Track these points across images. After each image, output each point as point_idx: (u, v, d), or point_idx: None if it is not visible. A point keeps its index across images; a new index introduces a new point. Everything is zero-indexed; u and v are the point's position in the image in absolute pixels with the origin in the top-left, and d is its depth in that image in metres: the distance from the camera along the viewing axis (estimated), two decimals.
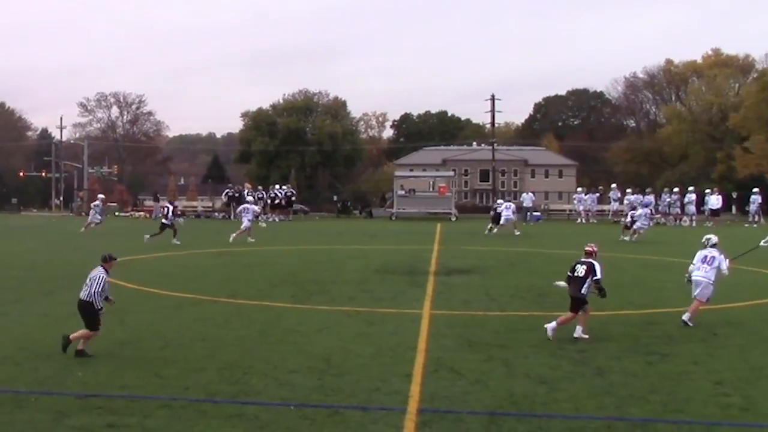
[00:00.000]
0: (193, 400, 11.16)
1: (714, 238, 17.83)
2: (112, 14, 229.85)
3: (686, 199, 54.07)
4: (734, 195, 60.85)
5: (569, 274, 15.85)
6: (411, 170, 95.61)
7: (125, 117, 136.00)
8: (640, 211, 40.59)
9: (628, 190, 56.80)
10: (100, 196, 48.46)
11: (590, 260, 15.83)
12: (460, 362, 13.29)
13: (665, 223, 54.22)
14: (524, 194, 62.65)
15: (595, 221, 56.29)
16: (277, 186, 62.94)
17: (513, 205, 45.66)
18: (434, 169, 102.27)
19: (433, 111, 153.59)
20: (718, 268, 17.16)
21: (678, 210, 54.95)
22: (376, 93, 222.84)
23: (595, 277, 15.47)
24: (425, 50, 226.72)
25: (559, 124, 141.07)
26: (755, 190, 56.06)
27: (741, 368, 13.19)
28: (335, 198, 77.28)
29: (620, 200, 56.67)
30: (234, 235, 35.97)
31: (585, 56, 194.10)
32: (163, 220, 36.87)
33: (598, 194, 61.49)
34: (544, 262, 29.17)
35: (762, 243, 19.44)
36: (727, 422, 10.41)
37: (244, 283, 22.90)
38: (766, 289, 22.34)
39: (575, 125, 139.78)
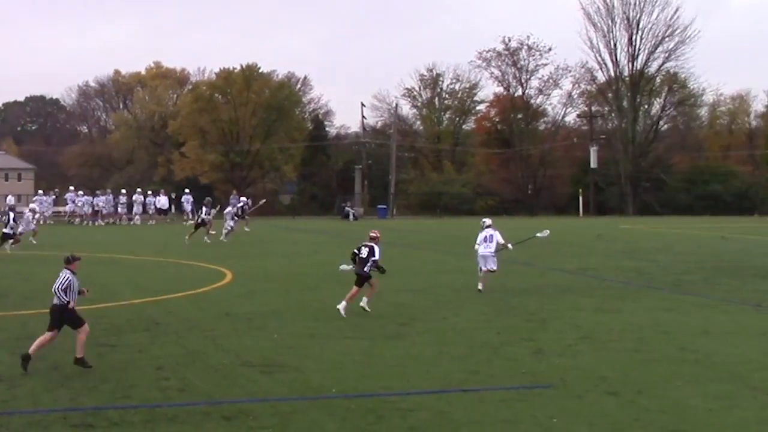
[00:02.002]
0: None
1: (488, 221, 20.58)
2: None
3: (134, 200, 54.41)
4: (173, 195, 62.18)
5: (355, 252, 16.83)
6: None
7: None
8: (228, 210, 39.16)
9: (80, 192, 55.67)
10: None
11: (372, 244, 16.76)
12: None
13: (115, 222, 54.12)
14: (37, 197, 57.72)
15: (52, 222, 54.43)
16: None
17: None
18: None
19: None
20: (496, 242, 19.73)
21: (126, 210, 54.63)
22: None
23: (373, 258, 16.56)
24: None
25: (18, 129, 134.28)
26: (187, 190, 58.80)
27: (179, 353, 13.70)
28: None
29: (75, 202, 55.26)
30: None
31: (43, 64, 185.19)
32: None
33: (54, 196, 59.37)
34: None
35: (537, 234, 21.68)
36: (167, 404, 10.74)
37: None
38: (199, 279, 23.48)
39: (33, 130, 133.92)
